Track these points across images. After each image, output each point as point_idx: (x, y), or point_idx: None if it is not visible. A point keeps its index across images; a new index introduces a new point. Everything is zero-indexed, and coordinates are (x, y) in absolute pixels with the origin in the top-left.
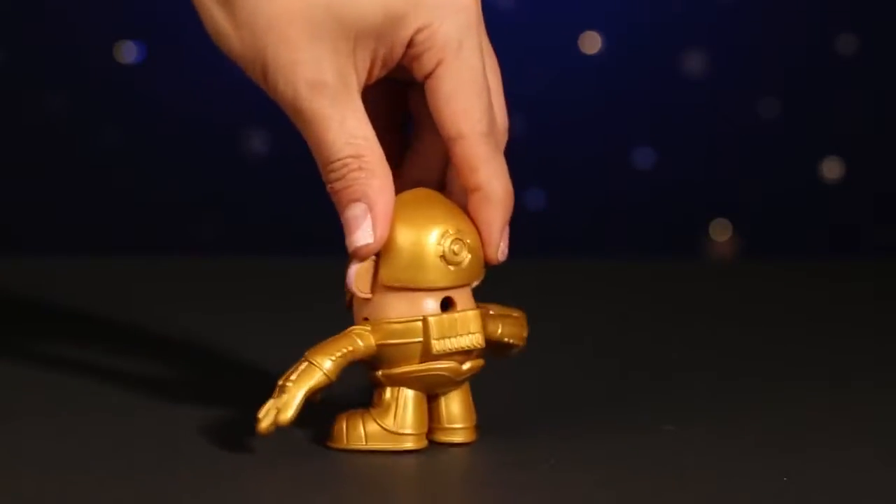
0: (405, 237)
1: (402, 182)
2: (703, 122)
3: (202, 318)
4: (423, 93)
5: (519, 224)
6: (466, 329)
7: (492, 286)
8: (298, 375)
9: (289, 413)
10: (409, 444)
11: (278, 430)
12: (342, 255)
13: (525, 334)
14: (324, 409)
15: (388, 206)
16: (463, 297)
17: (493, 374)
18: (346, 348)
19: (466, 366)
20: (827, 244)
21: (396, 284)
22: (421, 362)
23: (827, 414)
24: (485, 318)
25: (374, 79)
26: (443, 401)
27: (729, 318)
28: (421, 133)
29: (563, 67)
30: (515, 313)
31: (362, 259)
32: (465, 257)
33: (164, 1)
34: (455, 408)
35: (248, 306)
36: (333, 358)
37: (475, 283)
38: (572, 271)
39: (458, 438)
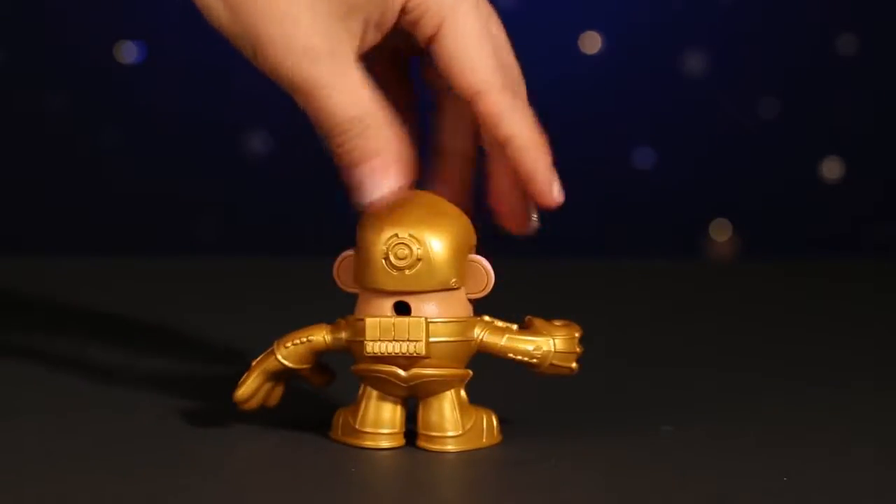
0: (363, 237)
1: (441, 155)
2: (703, 122)
3: (202, 318)
4: (431, 62)
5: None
6: (405, 335)
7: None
8: (260, 358)
9: (239, 390)
10: (367, 442)
11: (279, 430)
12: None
13: (563, 348)
14: (330, 405)
15: (405, 153)
16: (426, 304)
17: (493, 374)
18: (303, 338)
19: (405, 372)
20: (827, 244)
21: (357, 284)
22: (362, 362)
23: (827, 414)
24: (484, 327)
25: (367, 45)
26: (420, 406)
27: (729, 318)
28: (442, 102)
29: (563, 67)
30: (560, 333)
31: (375, 210)
32: (412, 263)
33: (164, 1)
34: (431, 415)
35: (248, 306)
36: (289, 345)
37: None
38: (572, 271)
39: (430, 446)
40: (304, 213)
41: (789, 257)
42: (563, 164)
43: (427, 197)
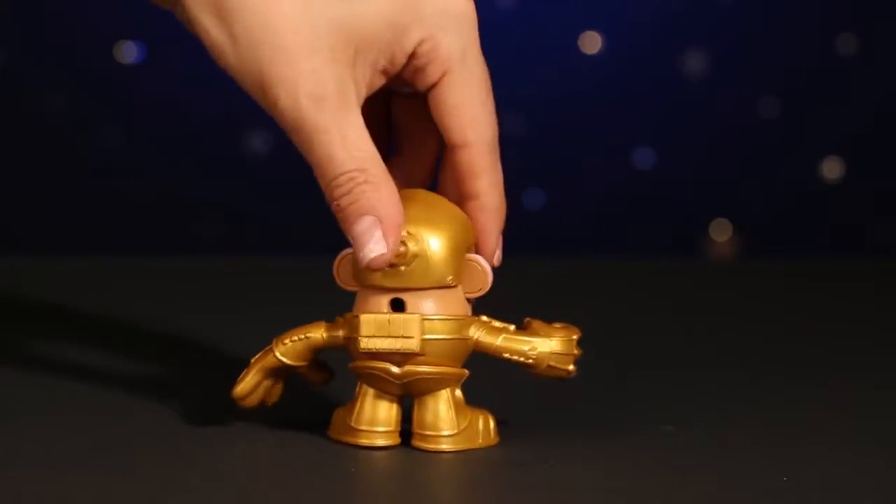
0: None
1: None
2: (703, 122)
3: (202, 318)
4: (407, 103)
5: (519, 224)
6: (399, 332)
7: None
8: (259, 355)
9: (237, 386)
10: (363, 440)
11: (279, 430)
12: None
13: (560, 350)
14: (328, 405)
15: (397, 216)
16: (422, 302)
17: (492, 374)
18: (302, 335)
19: (398, 369)
20: (827, 244)
21: (356, 282)
22: (358, 359)
23: (827, 414)
24: (480, 327)
25: (371, 90)
26: (415, 405)
27: (729, 317)
28: (403, 143)
29: (563, 67)
30: (558, 334)
31: (377, 270)
32: (409, 260)
33: None
34: (426, 414)
35: (248, 306)
36: (287, 342)
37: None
38: (572, 271)
39: (425, 445)
40: (304, 213)
41: (789, 257)
42: (563, 163)
43: (425, 195)
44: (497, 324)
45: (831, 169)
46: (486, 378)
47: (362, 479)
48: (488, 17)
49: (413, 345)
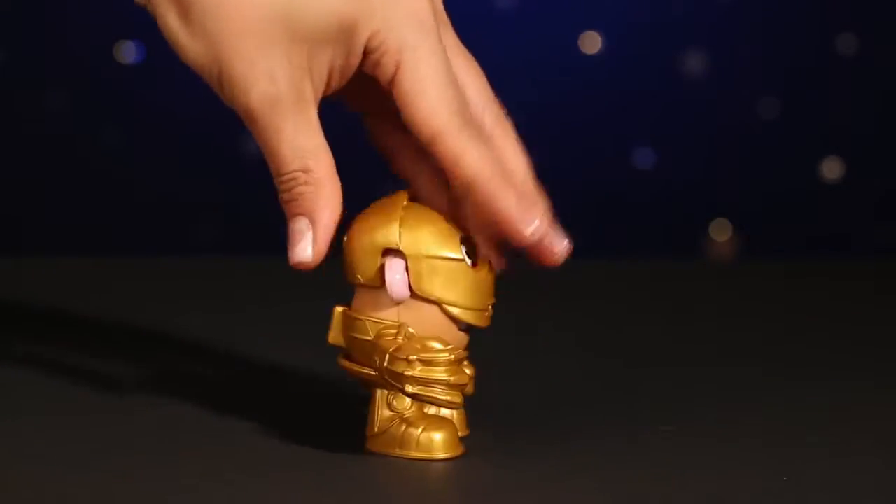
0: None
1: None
2: (703, 122)
3: (202, 318)
4: (382, 123)
5: None
6: (331, 325)
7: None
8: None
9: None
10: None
11: (279, 430)
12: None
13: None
14: (328, 405)
15: (329, 222)
16: (355, 297)
17: (492, 374)
18: None
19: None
20: (827, 244)
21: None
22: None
23: (827, 414)
24: (387, 343)
25: (332, 89)
26: None
27: (729, 318)
28: (396, 164)
29: (563, 67)
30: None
31: (303, 269)
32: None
33: None
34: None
35: (247, 306)
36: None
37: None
38: (572, 271)
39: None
40: None
41: (789, 257)
42: (563, 163)
43: (416, 203)
44: (393, 339)
45: (831, 169)
46: (486, 378)
47: (359, 480)
48: (488, 17)
49: (332, 337)
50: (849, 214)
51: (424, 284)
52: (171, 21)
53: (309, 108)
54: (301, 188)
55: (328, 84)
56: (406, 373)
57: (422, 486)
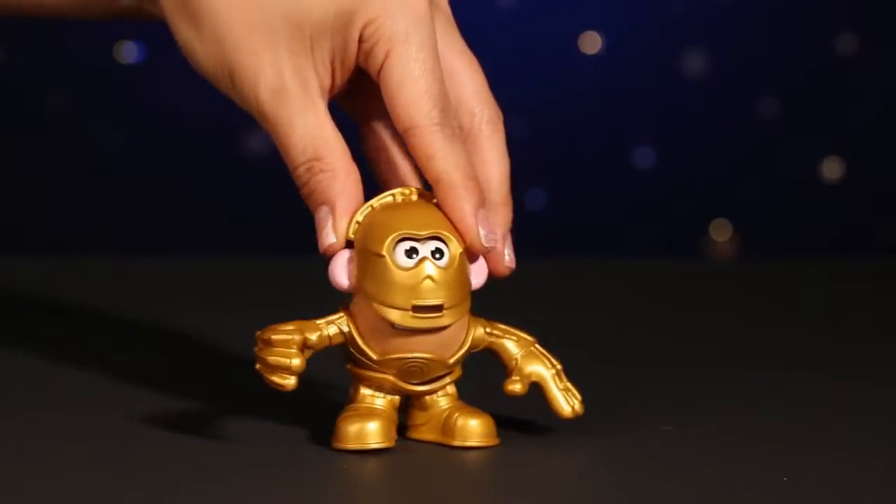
0: None
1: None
2: (703, 121)
3: (203, 318)
4: (371, 133)
5: (520, 224)
6: None
7: (492, 286)
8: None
9: None
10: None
11: (279, 430)
12: None
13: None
14: (327, 405)
15: (348, 205)
16: None
17: (490, 373)
18: None
19: None
20: (827, 244)
21: None
22: None
23: (827, 414)
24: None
25: (339, 81)
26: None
27: (729, 317)
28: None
29: (563, 67)
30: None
31: (331, 256)
32: None
33: None
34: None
35: (248, 306)
36: None
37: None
38: (572, 271)
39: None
40: (305, 213)
41: (789, 257)
42: (563, 163)
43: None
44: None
45: (831, 169)
46: (484, 377)
47: (360, 479)
48: (488, 17)
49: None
50: (848, 214)
51: (359, 277)
52: (183, 30)
53: (316, 99)
54: (317, 177)
55: (332, 79)
56: (255, 349)
57: (421, 484)
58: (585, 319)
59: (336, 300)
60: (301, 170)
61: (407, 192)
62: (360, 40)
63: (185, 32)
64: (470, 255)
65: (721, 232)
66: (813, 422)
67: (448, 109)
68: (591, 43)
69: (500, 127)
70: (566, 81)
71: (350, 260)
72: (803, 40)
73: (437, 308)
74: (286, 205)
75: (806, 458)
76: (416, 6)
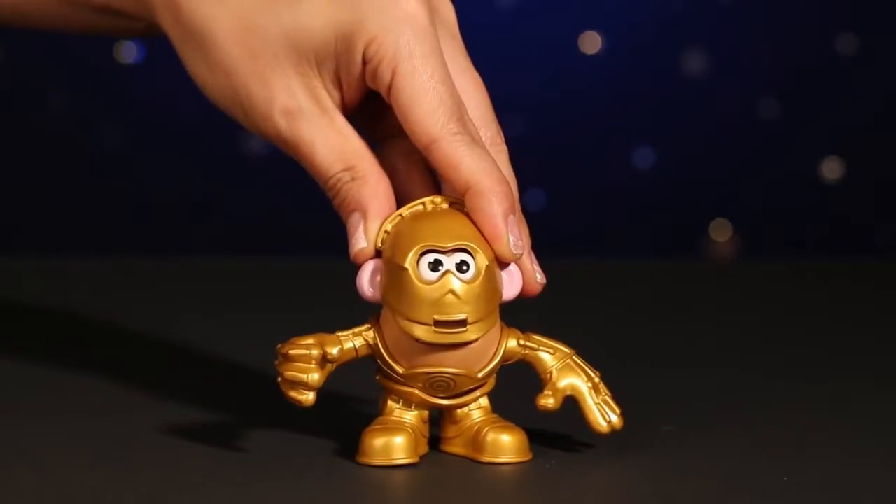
0: None
1: None
2: (703, 122)
3: (202, 318)
4: (390, 150)
5: None
6: None
7: None
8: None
9: None
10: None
11: (279, 430)
12: (343, 255)
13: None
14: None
15: (380, 210)
16: None
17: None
18: None
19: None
20: (827, 244)
21: None
22: None
23: (827, 414)
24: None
25: (350, 99)
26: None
27: (729, 317)
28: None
29: (563, 67)
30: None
31: (361, 262)
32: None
33: None
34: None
35: (247, 307)
36: None
37: None
38: (572, 271)
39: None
40: (304, 213)
41: (789, 257)
42: (563, 163)
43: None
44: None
45: (831, 169)
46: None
47: (363, 482)
48: (488, 17)
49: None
50: (849, 214)
51: (385, 289)
52: (190, 60)
53: (333, 114)
54: (347, 185)
55: (343, 98)
56: (275, 363)
57: (422, 485)
58: (585, 319)
59: (336, 303)
60: (332, 181)
61: (438, 200)
62: (364, 61)
63: (193, 66)
64: (502, 265)
65: (721, 232)
66: (813, 422)
67: (464, 116)
68: (591, 43)
69: (504, 148)
70: (566, 81)
71: (377, 270)
72: (803, 40)
73: (461, 323)
74: (285, 205)
75: (806, 458)
76: (416, 18)
